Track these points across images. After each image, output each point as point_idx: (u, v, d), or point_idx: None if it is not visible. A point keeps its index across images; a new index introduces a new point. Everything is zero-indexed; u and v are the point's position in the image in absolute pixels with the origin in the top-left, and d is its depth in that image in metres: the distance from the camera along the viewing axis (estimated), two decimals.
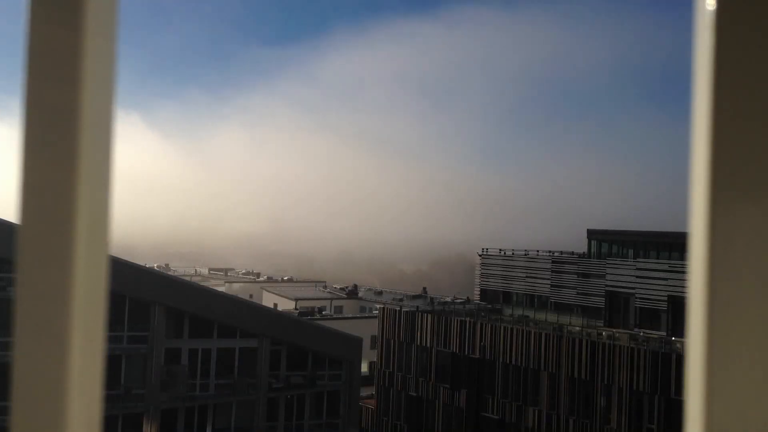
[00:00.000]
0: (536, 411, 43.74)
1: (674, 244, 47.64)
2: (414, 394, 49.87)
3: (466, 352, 47.16)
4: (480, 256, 61.53)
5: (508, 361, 45.11)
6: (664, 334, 45.63)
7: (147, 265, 55.21)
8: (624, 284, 50.93)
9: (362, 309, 75.86)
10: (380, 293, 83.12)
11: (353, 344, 47.18)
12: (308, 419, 45.19)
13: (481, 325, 47.33)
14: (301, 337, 45.13)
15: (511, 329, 45.74)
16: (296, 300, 73.72)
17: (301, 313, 63.25)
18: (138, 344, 40.12)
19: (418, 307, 56.08)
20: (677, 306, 46.68)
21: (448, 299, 67.60)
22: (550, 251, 57.66)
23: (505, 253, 59.66)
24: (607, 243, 53.74)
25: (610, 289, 51.67)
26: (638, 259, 50.85)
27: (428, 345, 49.21)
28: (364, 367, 57.08)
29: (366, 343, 51.96)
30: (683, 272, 43.94)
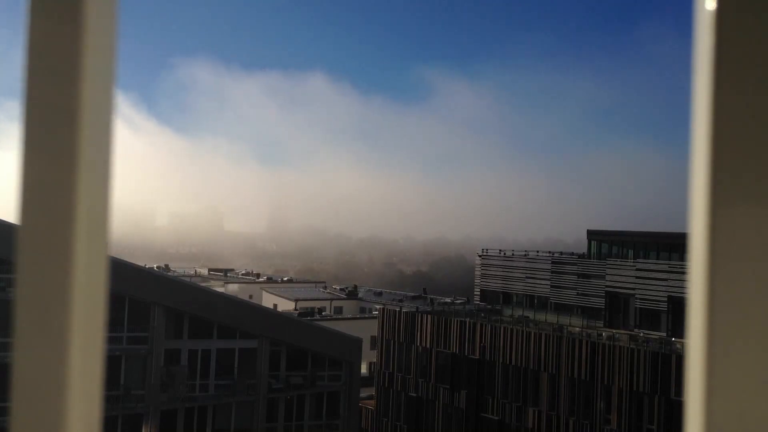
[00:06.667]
0: (536, 412, 43.68)
1: (674, 245, 47.59)
2: (414, 395, 49.79)
3: (466, 353, 47.08)
4: (480, 256, 61.47)
5: (508, 362, 45.04)
6: (664, 334, 45.58)
7: (147, 266, 55.15)
8: (624, 285, 50.87)
9: (362, 310, 75.74)
10: (380, 294, 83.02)
11: (353, 345, 47.12)
12: (308, 420, 45.14)
13: (481, 325, 47.25)
14: (301, 338, 45.07)
15: (511, 330, 45.66)
16: (296, 300, 73.60)
17: (301, 314, 63.15)
18: (138, 345, 40.07)
19: (417, 307, 55.99)
20: (677, 306, 46.63)
21: (448, 300, 67.54)
22: (549, 252, 57.67)
23: (504, 253, 59.61)
24: (607, 243, 53.69)
25: (610, 289, 51.62)
26: (638, 260, 50.79)
27: (428, 346, 49.13)
28: (364, 368, 57.03)
29: (366, 344, 51.89)
30: (683, 272, 43.90)
